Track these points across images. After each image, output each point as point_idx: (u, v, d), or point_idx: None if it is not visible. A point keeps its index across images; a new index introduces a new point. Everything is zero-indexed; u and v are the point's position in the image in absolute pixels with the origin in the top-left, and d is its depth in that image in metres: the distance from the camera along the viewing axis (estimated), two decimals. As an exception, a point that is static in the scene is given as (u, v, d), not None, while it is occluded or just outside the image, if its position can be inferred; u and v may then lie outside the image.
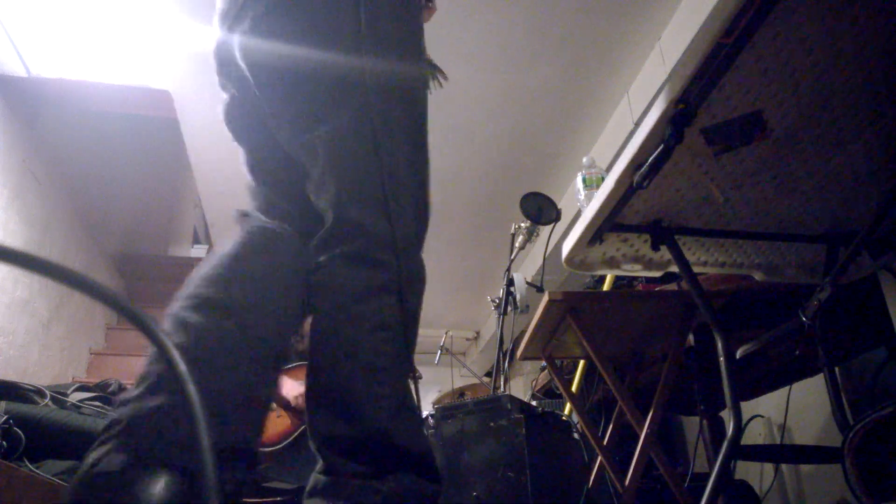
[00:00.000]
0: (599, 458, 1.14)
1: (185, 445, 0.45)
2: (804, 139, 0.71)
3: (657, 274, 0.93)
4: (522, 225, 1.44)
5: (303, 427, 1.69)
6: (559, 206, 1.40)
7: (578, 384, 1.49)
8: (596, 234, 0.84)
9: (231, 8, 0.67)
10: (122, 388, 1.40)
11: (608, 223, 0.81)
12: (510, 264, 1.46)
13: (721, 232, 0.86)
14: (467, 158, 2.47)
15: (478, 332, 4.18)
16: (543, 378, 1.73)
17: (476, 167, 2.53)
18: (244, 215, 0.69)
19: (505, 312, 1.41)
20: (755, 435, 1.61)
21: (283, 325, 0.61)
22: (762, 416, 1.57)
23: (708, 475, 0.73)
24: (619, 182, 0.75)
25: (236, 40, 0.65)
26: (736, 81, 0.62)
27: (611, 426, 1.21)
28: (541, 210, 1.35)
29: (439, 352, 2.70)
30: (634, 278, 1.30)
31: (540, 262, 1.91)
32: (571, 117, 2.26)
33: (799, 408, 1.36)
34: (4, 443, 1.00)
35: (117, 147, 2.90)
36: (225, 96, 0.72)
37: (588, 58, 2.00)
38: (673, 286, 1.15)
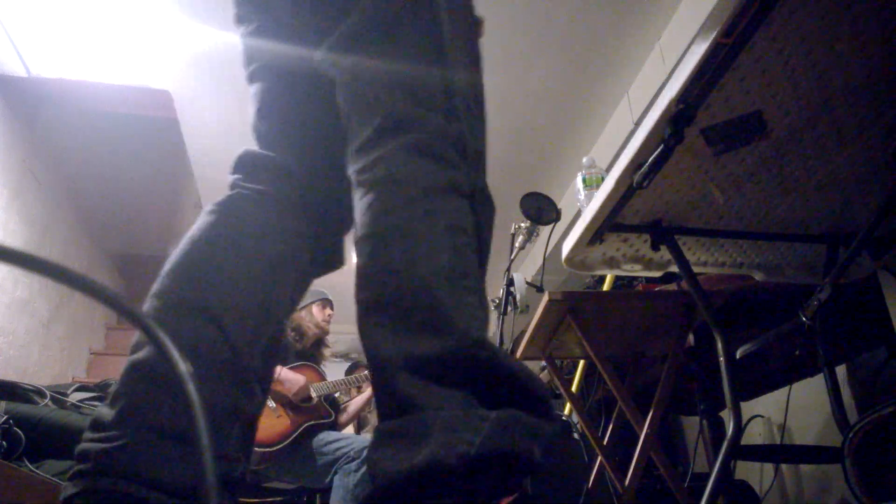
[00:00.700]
0: (599, 458, 1.14)
1: (154, 484, 0.40)
2: (804, 139, 0.72)
3: (657, 274, 0.93)
4: (522, 225, 1.44)
5: (302, 427, 1.69)
6: (559, 206, 1.40)
7: (578, 384, 1.49)
8: (596, 234, 0.84)
9: None
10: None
11: (608, 223, 0.81)
12: (510, 264, 1.46)
13: (721, 232, 0.86)
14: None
15: (478, 332, 4.16)
16: (543, 378, 1.73)
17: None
18: (233, 188, 0.59)
19: (505, 312, 1.41)
20: (755, 435, 1.61)
21: (270, 323, 0.53)
22: (762, 416, 1.57)
23: (708, 475, 0.73)
24: (619, 182, 0.75)
25: None
26: (736, 81, 0.62)
27: (611, 426, 1.21)
28: (540, 210, 1.35)
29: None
30: (634, 278, 1.30)
31: (540, 262, 1.91)
32: (571, 117, 2.26)
33: (799, 408, 1.36)
34: (4, 443, 1.00)
35: (117, 147, 2.90)
36: (245, 28, 0.63)
37: (588, 58, 2.00)
38: (673, 286, 1.15)
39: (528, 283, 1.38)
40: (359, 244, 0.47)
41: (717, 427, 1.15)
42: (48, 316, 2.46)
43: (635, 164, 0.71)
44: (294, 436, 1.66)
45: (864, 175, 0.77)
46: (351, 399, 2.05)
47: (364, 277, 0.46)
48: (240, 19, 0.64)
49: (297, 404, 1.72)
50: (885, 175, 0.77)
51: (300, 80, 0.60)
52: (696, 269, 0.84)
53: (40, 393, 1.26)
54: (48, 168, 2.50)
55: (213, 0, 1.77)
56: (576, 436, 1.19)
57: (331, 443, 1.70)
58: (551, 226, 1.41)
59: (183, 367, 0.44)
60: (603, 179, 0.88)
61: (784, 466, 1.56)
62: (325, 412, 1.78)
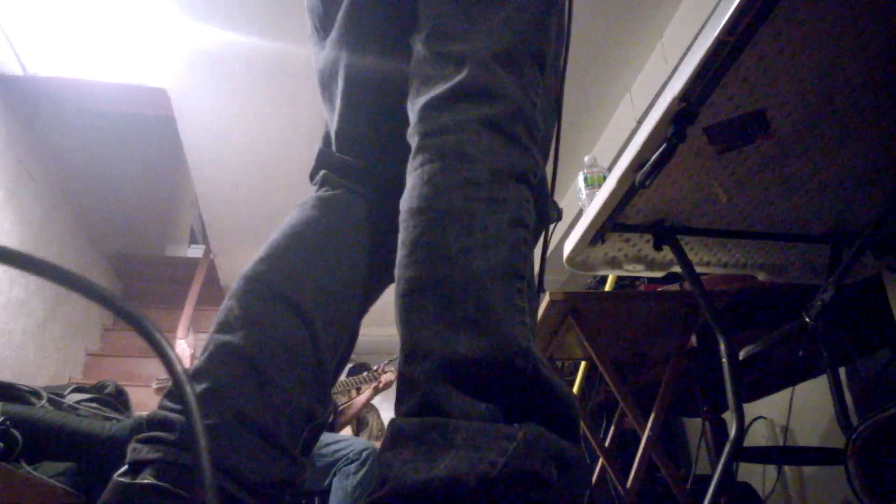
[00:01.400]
0: (601, 460, 1.14)
1: (235, 477, 0.39)
2: (807, 138, 0.71)
3: (659, 274, 0.93)
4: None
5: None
6: (560, 206, 1.40)
7: (580, 385, 1.49)
8: (598, 233, 0.83)
9: None
10: (119, 391, 1.39)
11: (610, 223, 0.81)
12: (510, 264, 1.45)
13: (724, 232, 0.86)
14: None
15: (477, 333, 4.16)
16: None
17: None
18: (328, 181, 0.56)
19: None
20: (758, 437, 1.61)
21: (349, 334, 0.51)
22: (765, 418, 1.57)
23: (710, 477, 0.72)
24: (620, 181, 0.74)
25: None
26: (739, 80, 0.62)
27: (612, 428, 1.20)
28: (541, 210, 1.34)
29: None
30: (636, 278, 1.29)
31: (540, 261, 1.91)
32: (573, 115, 2.25)
33: (802, 409, 1.35)
34: (2, 444, 0.99)
35: (114, 146, 2.89)
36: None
37: (590, 56, 1.99)
38: (675, 286, 1.14)
39: (528, 283, 1.37)
40: (413, 216, 0.42)
41: (720, 429, 1.15)
42: (44, 316, 2.45)
43: (637, 162, 0.70)
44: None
45: (867, 174, 0.77)
46: (350, 401, 2.04)
47: (412, 254, 0.41)
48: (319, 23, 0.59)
49: None
50: (888, 174, 0.76)
51: (381, 89, 0.56)
52: (698, 270, 0.84)
53: (37, 394, 1.25)
54: (44, 167, 2.49)
55: (211, -2, 1.77)
56: (577, 437, 1.18)
57: (329, 444, 1.69)
58: (552, 225, 1.40)
59: (181, 367, 0.43)
60: (605, 178, 0.87)
61: (787, 468, 1.56)
62: (323, 413, 1.76)
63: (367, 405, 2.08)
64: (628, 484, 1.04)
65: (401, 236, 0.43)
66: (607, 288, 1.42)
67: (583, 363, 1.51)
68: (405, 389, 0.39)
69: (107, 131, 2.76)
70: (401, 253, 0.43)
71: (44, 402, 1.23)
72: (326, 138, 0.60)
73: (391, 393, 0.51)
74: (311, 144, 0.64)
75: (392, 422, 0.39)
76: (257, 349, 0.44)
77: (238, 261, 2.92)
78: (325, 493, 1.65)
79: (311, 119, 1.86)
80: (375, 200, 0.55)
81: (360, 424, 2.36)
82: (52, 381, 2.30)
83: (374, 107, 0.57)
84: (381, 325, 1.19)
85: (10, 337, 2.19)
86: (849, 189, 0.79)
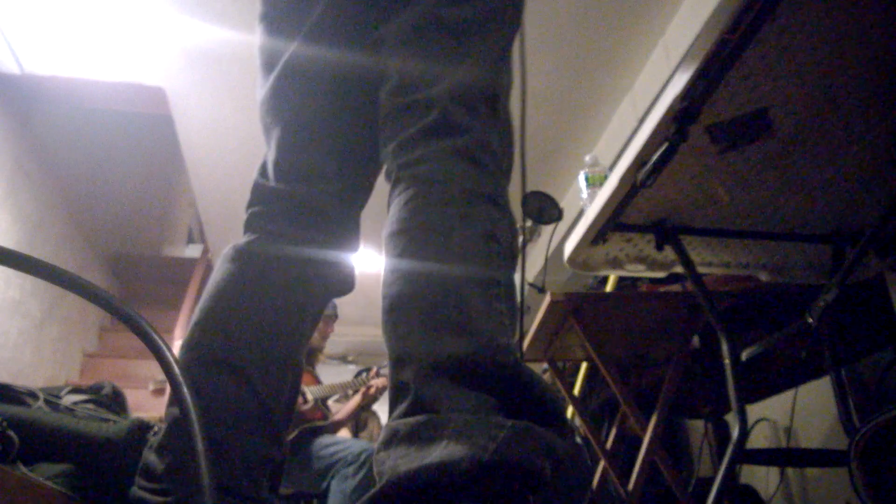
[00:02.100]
0: (602, 463, 1.13)
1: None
2: (810, 137, 0.71)
3: (661, 274, 0.92)
4: (524, 224, 1.42)
5: (298, 430, 1.67)
6: (561, 206, 1.39)
7: (581, 387, 1.48)
8: (599, 233, 0.83)
9: None
10: (115, 392, 1.38)
11: (611, 223, 0.80)
12: (510, 265, 1.44)
13: (726, 232, 0.85)
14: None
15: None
16: (545, 380, 1.72)
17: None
18: (251, 224, 0.61)
19: (505, 313, 1.39)
20: (760, 438, 1.60)
21: (291, 371, 0.56)
22: (768, 420, 1.56)
23: (712, 479, 0.71)
24: (622, 181, 0.74)
25: None
26: (741, 78, 0.61)
27: (614, 430, 1.20)
28: (542, 209, 1.34)
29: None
30: (638, 279, 1.29)
31: (541, 262, 1.90)
32: (574, 114, 2.25)
33: (805, 411, 1.35)
34: (-3, 446, 0.97)
35: (111, 144, 2.88)
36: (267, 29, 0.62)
37: (591, 54, 1.98)
38: (677, 287, 1.14)
39: (529, 283, 1.37)
40: (392, 238, 0.47)
41: (722, 430, 1.14)
42: (41, 317, 2.43)
43: (639, 162, 0.70)
44: (290, 438, 1.64)
45: (871, 174, 0.77)
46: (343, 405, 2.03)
47: (394, 272, 0.45)
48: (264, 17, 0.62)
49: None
50: (891, 174, 0.76)
51: (325, 103, 0.60)
52: (700, 270, 0.83)
53: (33, 395, 1.23)
54: (41, 166, 2.47)
55: (210, -3, 1.76)
56: (578, 439, 1.18)
57: (328, 447, 1.68)
58: (553, 225, 1.40)
59: (178, 371, 0.42)
60: (606, 178, 0.87)
61: (790, 470, 1.55)
62: (320, 415, 1.76)
63: (367, 409, 2.07)
64: (630, 486, 1.03)
65: (384, 263, 0.47)
66: (608, 288, 1.42)
67: (584, 364, 1.50)
68: (397, 395, 0.42)
69: (104, 130, 2.75)
70: (384, 276, 0.46)
71: (40, 403, 1.21)
72: (263, 166, 0.63)
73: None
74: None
75: (387, 425, 0.42)
76: (206, 416, 0.46)
77: (236, 261, 2.91)
78: (323, 496, 1.64)
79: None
80: (311, 224, 0.59)
81: (358, 427, 2.35)
82: (48, 383, 2.28)
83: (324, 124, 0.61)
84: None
85: (7, 338, 2.18)
86: (852, 189, 0.79)
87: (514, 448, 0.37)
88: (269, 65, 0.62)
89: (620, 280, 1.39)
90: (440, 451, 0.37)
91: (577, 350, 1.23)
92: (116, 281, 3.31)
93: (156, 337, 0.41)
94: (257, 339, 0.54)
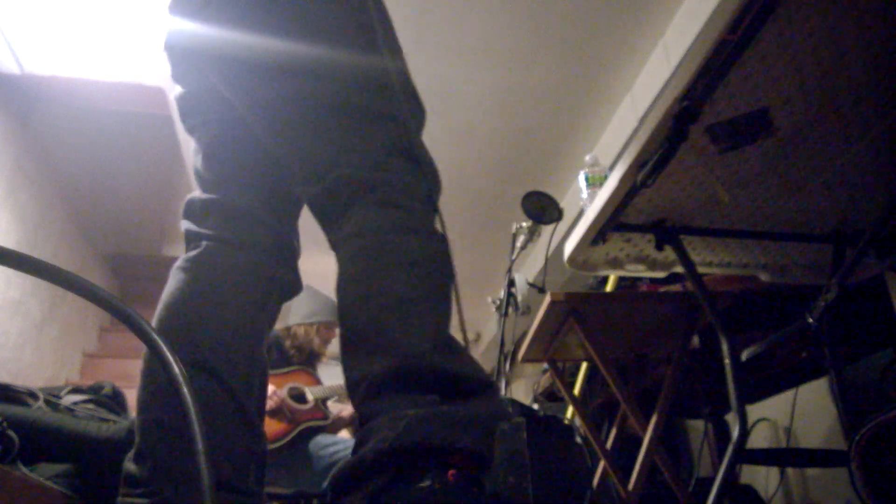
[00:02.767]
0: (602, 463, 1.13)
1: None
2: (810, 137, 0.71)
3: (661, 274, 0.92)
4: (524, 224, 1.43)
5: (298, 429, 1.67)
6: (561, 206, 1.39)
7: (581, 387, 1.48)
8: (599, 233, 0.83)
9: None
10: (115, 392, 1.38)
11: (611, 223, 0.80)
12: (511, 264, 1.45)
13: (726, 232, 0.85)
14: (468, 157, 2.46)
15: (478, 334, 4.17)
16: (545, 381, 1.72)
17: (477, 165, 2.53)
18: (191, 237, 0.68)
19: (506, 314, 1.39)
20: (760, 438, 1.60)
21: (257, 365, 0.61)
22: (768, 419, 1.56)
23: (712, 479, 0.71)
24: (622, 181, 0.74)
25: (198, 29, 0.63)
26: (741, 79, 0.61)
27: (614, 430, 1.20)
28: (543, 209, 1.34)
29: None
30: (638, 279, 1.29)
31: (541, 262, 1.90)
32: (574, 115, 2.25)
33: (805, 410, 1.34)
34: (-2, 446, 0.97)
35: (111, 144, 2.88)
36: (180, 89, 0.71)
37: (591, 54, 1.98)
38: (677, 287, 1.14)
39: (529, 283, 1.37)
40: (337, 293, 0.56)
41: (722, 430, 1.14)
42: (41, 317, 2.44)
43: (639, 162, 0.70)
44: (289, 437, 1.64)
45: (871, 174, 0.77)
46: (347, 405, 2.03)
47: (339, 318, 0.55)
48: (175, 79, 0.71)
49: (293, 407, 1.70)
50: (891, 174, 0.76)
51: (235, 127, 0.68)
52: (700, 270, 0.83)
53: (34, 395, 1.24)
54: (41, 166, 2.48)
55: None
56: (578, 439, 1.18)
57: (328, 446, 1.68)
58: (553, 225, 1.40)
59: (177, 368, 0.43)
60: (606, 178, 0.87)
61: (790, 470, 1.55)
62: (320, 415, 1.76)
63: None
64: (630, 486, 1.03)
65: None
66: (608, 288, 1.42)
67: (584, 364, 1.50)
68: (365, 415, 0.50)
69: (104, 130, 2.75)
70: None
71: (40, 403, 1.22)
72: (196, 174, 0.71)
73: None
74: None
75: (357, 435, 0.50)
76: (178, 417, 0.49)
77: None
78: (323, 496, 1.64)
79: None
80: (249, 230, 0.65)
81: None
82: (48, 383, 2.28)
83: (227, 146, 0.68)
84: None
85: (7, 338, 2.18)
86: (852, 189, 0.79)
87: (413, 433, 0.45)
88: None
89: (620, 280, 1.39)
90: (361, 452, 0.45)
91: (577, 350, 1.23)
92: (116, 281, 3.32)
93: (155, 337, 0.41)
94: (221, 339, 0.58)
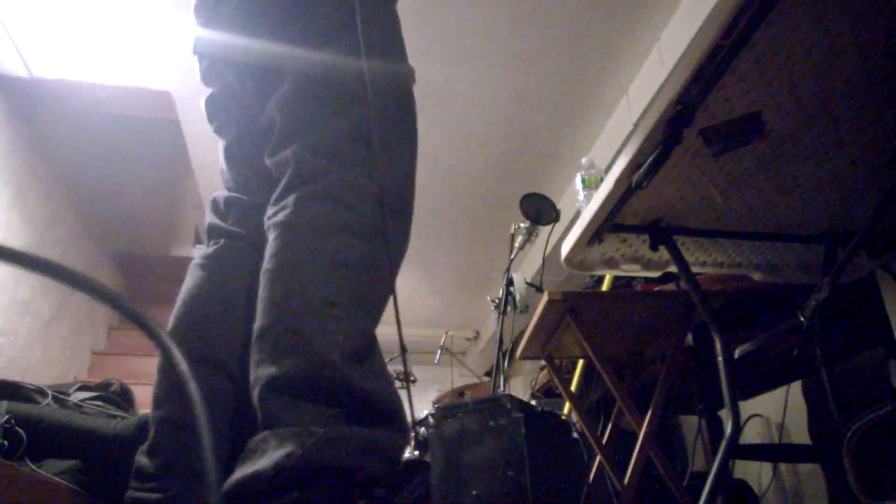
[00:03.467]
0: (598, 458, 1.14)
1: None
2: (803, 140, 0.72)
3: (656, 274, 0.93)
4: (522, 225, 1.44)
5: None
6: (558, 207, 1.41)
7: (577, 384, 1.49)
8: (595, 234, 0.84)
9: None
10: (123, 389, 1.40)
11: (607, 223, 0.82)
12: (510, 264, 1.46)
13: (719, 232, 0.86)
14: (466, 159, 2.47)
15: (477, 332, 4.18)
16: (543, 378, 1.74)
17: (475, 168, 2.54)
18: (213, 231, 0.68)
19: (504, 312, 1.41)
20: (754, 434, 1.61)
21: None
22: (761, 416, 1.57)
23: (706, 474, 0.73)
24: (617, 182, 0.75)
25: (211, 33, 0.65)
26: (734, 82, 0.62)
27: (610, 425, 1.21)
28: (540, 210, 1.36)
29: (439, 351, 2.70)
30: (633, 278, 1.30)
31: (539, 262, 1.92)
32: (570, 118, 2.26)
33: (797, 407, 1.36)
34: (6, 442, 1.00)
35: (119, 148, 2.90)
36: (209, 91, 0.73)
37: (587, 59, 2.00)
38: (672, 286, 1.15)
39: (527, 283, 1.39)
40: (261, 277, 0.54)
41: (716, 426, 1.16)
42: (50, 316, 2.46)
43: (634, 164, 0.71)
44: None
45: (862, 175, 0.78)
46: None
47: (258, 307, 0.52)
48: (203, 81, 0.73)
49: None
50: (883, 175, 0.77)
51: (251, 127, 0.68)
52: (694, 270, 0.84)
53: (42, 392, 1.26)
54: (50, 168, 2.50)
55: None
56: (575, 435, 1.20)
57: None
58: (551, 226, 1.41)
59: (185, 366, 0.44)
60: (602, 180, 0.88)
61: (782, 465, 1.56)
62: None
63: None
64: (626, 481, 1.05)
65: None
66: (604, 288, 1.43)
67: (581, 362, 1.51)
68: (259, 412, 0.48)
69: (111, 133, 2.77)
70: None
71: (48, 400, 1.24)
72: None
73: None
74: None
75: (247, 443, 0.48)
76: (191, 414, 0.50)
77: (240, 260, 2.94)
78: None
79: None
80: (256, 234, 0.64)
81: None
82: (57, 381, 2.31)
83: (247, 149, 0.69)
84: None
85: (16, 337, 2.21)
86: (843, 190, 0.80)
87: (322, 453, 0.43)
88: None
89: (616, 279, 1.40)
90: (262, 461, 0.43)
91: (574, 348, 1.25)
92: (124, 280, 3.35)
93: (163, 335, 0.43)
94: (230, 336, 0.58)
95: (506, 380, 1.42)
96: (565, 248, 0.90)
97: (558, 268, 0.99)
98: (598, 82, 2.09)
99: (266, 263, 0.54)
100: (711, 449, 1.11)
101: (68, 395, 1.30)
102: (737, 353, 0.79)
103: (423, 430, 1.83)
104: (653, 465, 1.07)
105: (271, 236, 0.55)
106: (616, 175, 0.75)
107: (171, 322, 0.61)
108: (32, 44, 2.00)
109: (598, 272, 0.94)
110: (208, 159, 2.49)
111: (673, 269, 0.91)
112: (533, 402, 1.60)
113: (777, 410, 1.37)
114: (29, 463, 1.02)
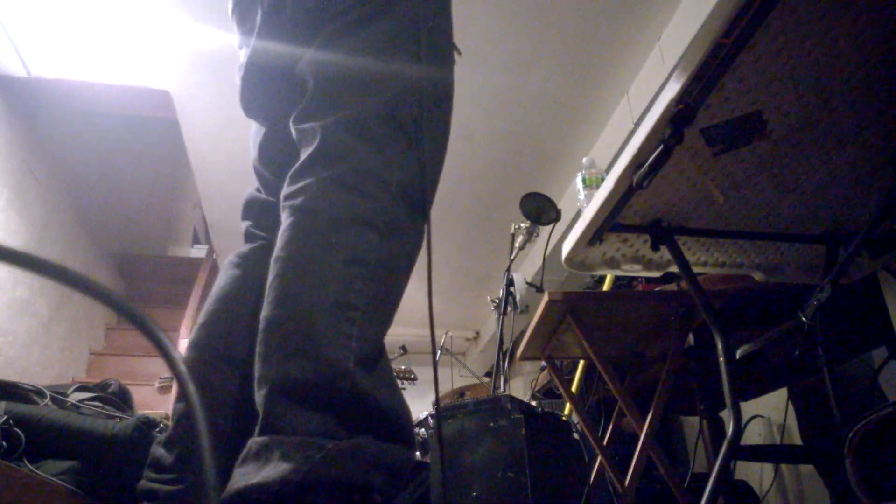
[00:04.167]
0: (599, 459, 1.14)
1: None
2: (804, 139, 0.71)
3: (657, 274, 0.93)
4: (522, 225, 1.44)
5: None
6: (559, 207, 1.41)
7: (578, 384, 1.49)
8: (596, 234, 0.84)
9: None
10: (122, 389, 1.40)
11: (608, 223, 0.81)
12: (510, 264, 1.46)
13: (721, 232, 0.86)
14: (467, 159, 2.47)
15: (477, 332, 4.18)
16: (543, 378, 1.73)
17: (476, 167, 2.53)
18: (250, 236, 0.67)
19: (504, 312, 1.41)
20: (755, 435, 1.61)
21: None
22: (762, 416, 1.57)
23: (707, 475, 0.72)
24: (618, 182, 0.75)
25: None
26: (735, 82, 0.62)
27: (610, 426, 1.21)
28: (541, 210, 1.35)
29: (439, 352, 2.70)
30: (634, 278, 1.30)
31: (540, 262, 1.91)
32: (571, 117, 2.26)
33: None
34: (4, 443, 0.99)
35: (117, 147, 2.90)
36: (242, 61, 0.69)
37: (588, 58, 2.00)
38: (673, 286, 1.15)
39: (528, 283, 1.38)
40: (272, 263, 0.51)
41: (717, 427, 1.16)
42: (48, 316, 2.46)
43: (635, 164, 0.71)
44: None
45: (863, 175, 0.77)
46: None
47: (268, 296, 0.50)
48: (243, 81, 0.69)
49: None
50: (884, 175, 0.77)
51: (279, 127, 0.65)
52: (695, 270, 0.84)
53: (40, 393, 1.25)
54: (48, 168, 2.50)
55: (213, 1, 1.78)
56: (576, 436, 1.20)
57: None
58: (551, 226, 1.41)
59: (183, 367, 0.44)
60: (603, 180, 0.88)
61: (784, 466, 1.56)
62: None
63: None
64: (626, 482, 1.04)
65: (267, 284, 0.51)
66: (605, 288, 1.43)
67: (581, 362, 1.51)
68: (261, 413, 0.46)
69: (110, 133, 2.77)
70: (265, 297, 0.51)
71: (47, 400, 1.23)
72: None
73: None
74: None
75: (248, 442, 0.46)
76: (211, 409, 0.52)
77: (239, 261, 2.94)
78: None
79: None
80: None
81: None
82: (55, 381, 2.31)
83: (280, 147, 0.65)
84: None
85: (15, 337, 2.20)
86: (845, 189, 0.80)
87: (330, 468, 0.41)
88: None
89: (617, 279, 1.40)
90: (266, 472, 0.41)
91: (575, 348, 1.25)
92: (123, 280, 3.34)
93: (161, 335, 0.42)
94: (255, 336, 0.56)
95: (506, 380, 1.41)
96: (566, 248, 0.90)
97: (559, 268, 0.99)
98: (598, 82, 2.08)
99: (279, 250, 0.50)
100: (712, 450, 1.11)
101: (66, 395, 1.30)
102: (738, 354, 0.79)
103: (422, 430, 1.82)
104: (654, 466, 1.07)
105: (287, 219, 0.51)
106: (617, 175, 0.74)
107: (200, 317, 0.61)
108: (31, 43, 2.00)
109: (599, 272, 0.94)
110: (206, 159, 2.49)
111: (674, 269, 0.90)
112: (533, 403, 1.59)
113: (778, 411, 1.37)
114: (27, 464, 1.01)
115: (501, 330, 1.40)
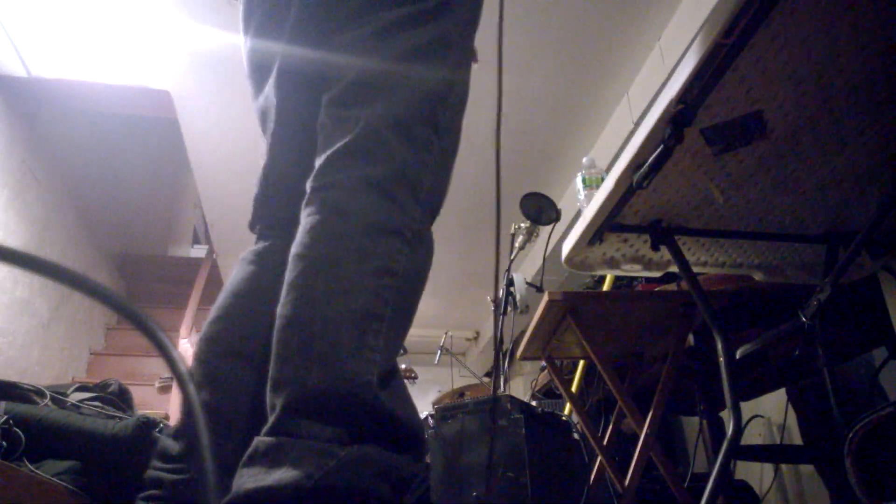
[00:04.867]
0: (599, 459, 1.14)
1: None
2: (804, 139, 0.72)
3: (657, 274, 0.93)
4: (522, 225, 1.44)
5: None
6: (559, 207, 1.41)
7: (578, 384, 1.49)
8: (596, 234, 0.84)
9: None
10: (122, 389, 1.40)
11: (608, 223, 0.82)
12: (510, 264, 1.46)
13: (721, 232, 0.86)
14: (467, 158, 2.45)
15: (477, 333, 4.18)
16: (543, 378, 1.73)
17: (476, 167, 2.53)
18: (263, 230, 0.65)
19: (505, 312, 1.41)
20: (755, 435, 1.62)
21: None
22: (762, 417, 1.57)
23: (708, 475, 0.72)
24: (618, 182, 0.75)
25: None
26: (736, 82, 0.62)
27: (610, 426, 1.21)
28: (541, 210, 1.35)
29: (439, 352, 2.70)
30: (634, 278, 1.30)
31: (540, 262, 1.91)
32: (571, 117, 2.26)
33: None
34: (4, 443, 0.99)
35: (117, 147, 2.91)
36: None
37: (588, 58, 2.00)
38: (673, 286, 1.15)
39: (528, 283, 1.39)
40: (293, 259, 0.49)
41: (717, 427, 1.16)
42: (48, 316, 2.46)
43: (635, 164, 0.71)
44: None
45: (863, 175, 0.77)
46: None
47: (288, 294, 0.48)
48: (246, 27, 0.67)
49: None
50: (884, 175, 0.77)
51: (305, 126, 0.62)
52: (695, 270, 0.84)
53: (40, 393, 1.25)
54: (48, 168, 2.50)
55: (213, 1, 1.78)
56: (576, 436, 1.20)
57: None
58: (551, 226, 1.41)
59: (183, 367, 0.44)
60: (603, 180, 0.88)
61: (784, 466, 1.56)
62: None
63: None
64: (626, 482, 1.04)
65: (285, 280, 0.49)
66: (605, 288, 1.43)
67: (581, 362, 1.51)
68: (272, 414, 0.45)
69: (110, 133, 2.78)
70: (282, 292, 0.49)
71: (47, 400, 1.23)
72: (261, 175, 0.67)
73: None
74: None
75: (254, 441, 0.45)
76: (222, 402, 0.51)
77: (239, 261, 2.96)
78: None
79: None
80: None
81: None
82: (55, 381, 2.31)
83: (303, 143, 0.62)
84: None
85: (14, 337, 2.21)
86: (845, 189, 0.80)
87: (342, 476, 0.41)
88: (263, 68, 0.65)
89: (617, 279, 1.40)
90: (277, 475, 0.40)
91: (575, 348, 1.25)
92: (123, 280, 3.35)
93: (161, 335, 0.42)
94: (269, 332, 0.55)
95: (506, 380, 1.41)
96: (566, 248, 0.90)
97: (559, 268, 0.99)
98: (598, 81, 2.09)
99: (304, 247, 0.48)
100: (713, 450, 1.11)
101: (66, 395, 1.30)
102: (738, 354, 0.79)
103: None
104: (654, 466, 1.07)
105: (314, 214, 0.49)
106: (617, 175, 0.74)
107: (212, 312, 0.59)
108: (31, 43, 2.00)
109: (599, 272, 0.94)
110: (207, 158, 2.49)
111: (674, 269, 0.90)
112: (533, 403, 1.59)
113: (778, 411, 1.37)
114: (27, 463, 1.01)
115: (501, 330, 1.40)
